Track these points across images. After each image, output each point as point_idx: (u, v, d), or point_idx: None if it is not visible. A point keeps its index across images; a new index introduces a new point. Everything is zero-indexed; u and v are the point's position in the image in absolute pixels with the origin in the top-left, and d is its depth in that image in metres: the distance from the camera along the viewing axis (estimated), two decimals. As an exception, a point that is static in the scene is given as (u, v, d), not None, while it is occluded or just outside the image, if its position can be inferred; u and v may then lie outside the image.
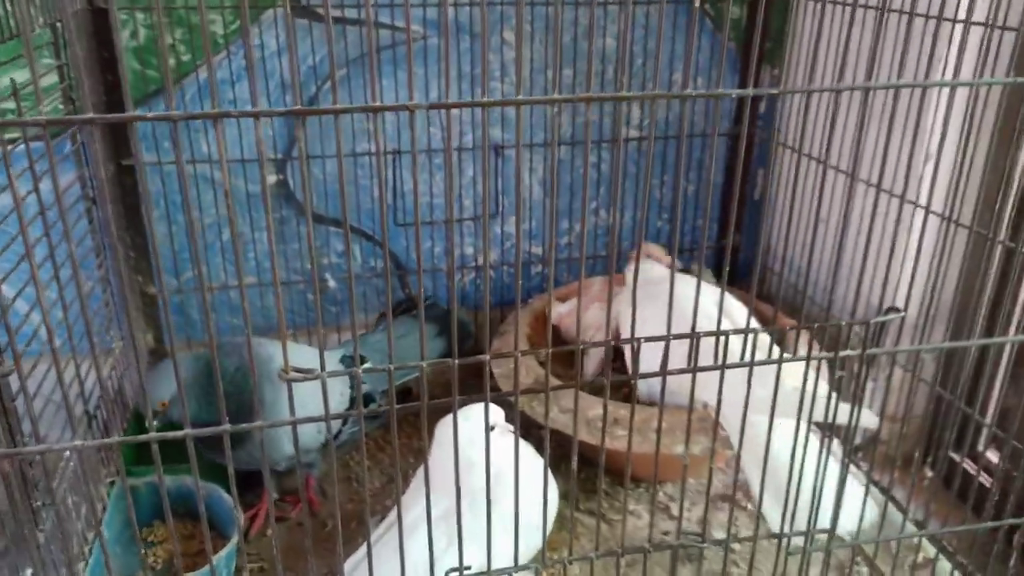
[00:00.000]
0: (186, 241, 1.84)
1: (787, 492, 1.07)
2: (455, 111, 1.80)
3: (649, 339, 0.97)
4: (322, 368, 0.86)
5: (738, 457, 1.16)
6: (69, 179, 1.47)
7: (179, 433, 0.87)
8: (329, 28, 0.70)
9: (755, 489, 1.25)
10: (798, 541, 1.10)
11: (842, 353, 0.95)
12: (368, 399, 1.61)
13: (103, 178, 1.51)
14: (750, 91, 0.84)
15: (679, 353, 0.98)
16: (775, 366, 0.98)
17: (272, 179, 1.84)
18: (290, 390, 0.88)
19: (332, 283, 1.94)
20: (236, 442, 1.39)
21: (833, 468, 1.09)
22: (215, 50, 1.72)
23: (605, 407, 0.99)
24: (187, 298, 1.88)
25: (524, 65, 1.89)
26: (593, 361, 1.79)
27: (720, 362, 0.97)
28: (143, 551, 1.48)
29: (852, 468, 1.57)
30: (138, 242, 1.79)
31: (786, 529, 1.06)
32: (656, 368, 0.99)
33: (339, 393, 1.58)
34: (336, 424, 1.56)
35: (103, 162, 1.58)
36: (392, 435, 0.89)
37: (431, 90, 1.83)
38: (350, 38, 1.76)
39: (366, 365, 1.64)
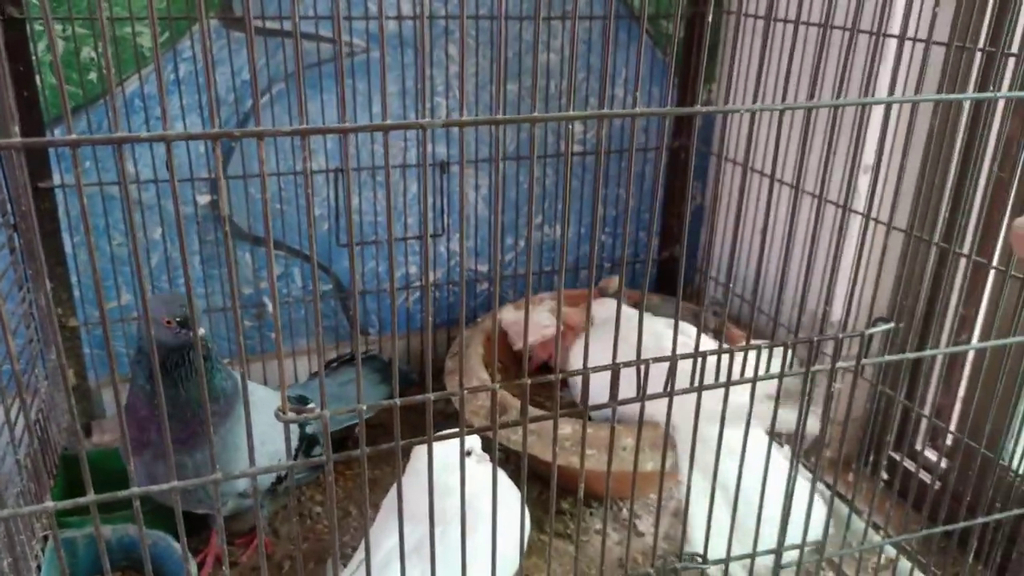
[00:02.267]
0: (110, 268, 1.71)
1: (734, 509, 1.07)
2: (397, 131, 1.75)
3: (597, 369, 0.94)
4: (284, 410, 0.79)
5: (689, 475, 1.15)
6: (-14, 204, 1.33)
7: (123, 493, 0.77)
8: (251, 43, 0.65)
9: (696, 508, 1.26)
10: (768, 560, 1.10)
11: (840, 365, 0.96)
12: (313, 441, 1.53)
13: (29, 202, 1.38)
14: (699, 109, 0.85)
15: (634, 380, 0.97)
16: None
17: (205, 199, 1.74)
18: (286, 430, 0.81)
19: (271, 307, 1.84)
20: (181, 467, 1.29)
21: (784, 480, 1.10)
22: (144, 63, 1.60)
23: (555, 424, 0.96)
24: (112, 330, 1.75)
25: (468, 80, 1.85)
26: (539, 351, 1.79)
27: (695, 384, 0.97)
28: (81, 610, 1.35)
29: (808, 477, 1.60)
30: (58, 271, 1.65)
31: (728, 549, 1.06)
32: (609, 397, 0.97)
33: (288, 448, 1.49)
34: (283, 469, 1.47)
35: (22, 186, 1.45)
36: (329, 486, 0.83)
37: (374, 105, 1.77)
38: (288, 52, 1.68)
39: (310, 406, 1.56)
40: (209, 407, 1.29)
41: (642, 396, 0.98)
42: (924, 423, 1.69)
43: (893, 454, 1.74)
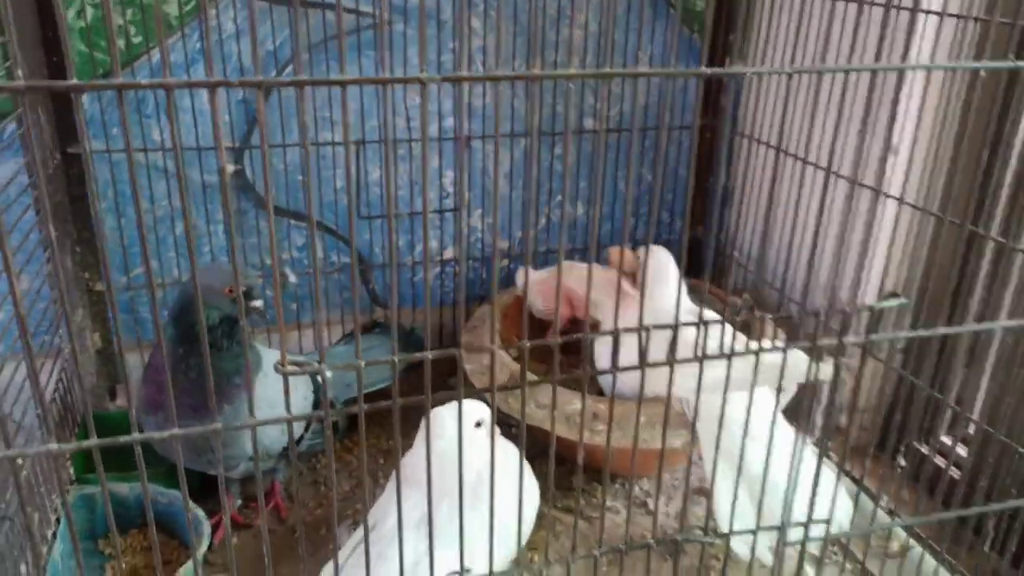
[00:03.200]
0: (136, 235, 1.74)
1: (760, 488, 1.06)
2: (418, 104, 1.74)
3: (602, 333, 0.94)
4: (322, 360, 0.80)
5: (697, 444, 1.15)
6: (13, 167, 1.36)
7: (124, 438, 0.79)
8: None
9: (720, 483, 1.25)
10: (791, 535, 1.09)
11: (848, 339, 0.94)
12: (329, 406, 1.54)
13: (42, 163, 1.40)
14: (734, 70, 0.83)
15: (653, 348, 0.97)
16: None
17: (230, 169, 1.76)
18: (286, 383, 0.82)
19: (293, 278, 1.86)
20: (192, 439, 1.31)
21: (803, 459, 1.09)
22: (169, 32, 1.62)
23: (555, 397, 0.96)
24: (137, 295, 1.78)
25: (489, 53, 1.85)
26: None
27: (701, 354, 0.96)
28: (100, 564, 1.39)
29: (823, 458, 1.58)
30: (85, 236, 1.68)
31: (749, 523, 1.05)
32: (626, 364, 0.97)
33: (303, 397, 1.51)
34: (298, 430, 1.49)
35: (49, 149, 1.48)
36: (360, 438, 0.85)
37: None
38: (312, 22, 1.68)
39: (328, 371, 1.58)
40: (236, 378, 1.33)
41: (643, 363, 0.98)
42: (947, 410, 1.66)
43: (916, 444, 1.71)
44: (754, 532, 1.06)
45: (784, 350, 1.02)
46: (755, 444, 1.06)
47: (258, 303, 1.29)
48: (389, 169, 0.80)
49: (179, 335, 1.31)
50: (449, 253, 2.01)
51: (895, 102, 1.03)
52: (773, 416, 1.04)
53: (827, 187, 0.94)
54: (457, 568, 1.01)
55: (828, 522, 1.03)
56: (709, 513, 1.27)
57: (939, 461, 1.60)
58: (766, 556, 1.13)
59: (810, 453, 1.07)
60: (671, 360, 0.99)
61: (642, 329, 0.94)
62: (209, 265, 1.75)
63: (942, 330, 1.07)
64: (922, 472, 1.59)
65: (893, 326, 1.60)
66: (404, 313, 2.02)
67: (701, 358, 1.00)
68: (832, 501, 1.07)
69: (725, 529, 1.18)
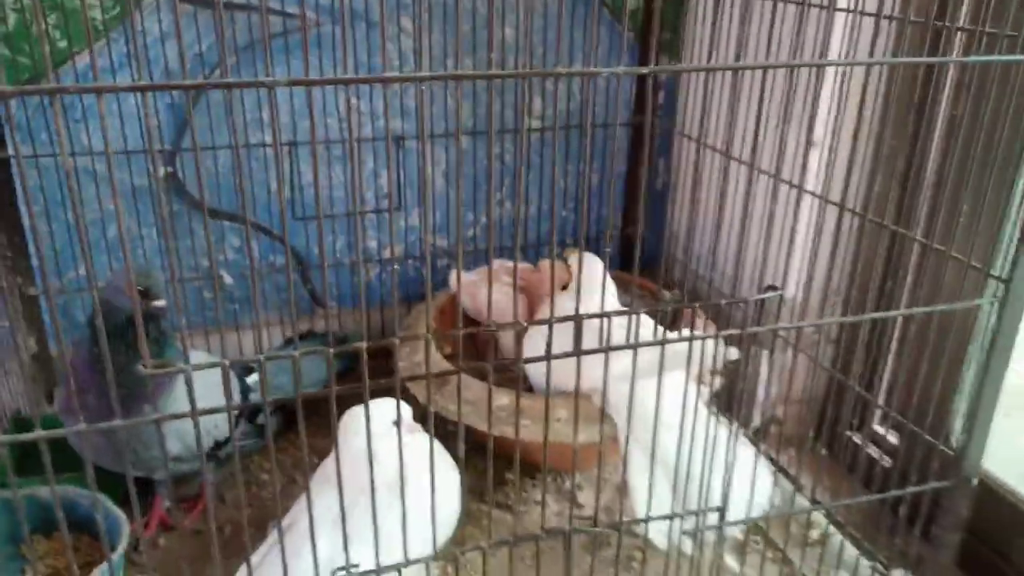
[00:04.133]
0: (68, 239, 1.74)
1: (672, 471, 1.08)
2: (355, 100, 1.76)
3: (533, 322, 0.97)
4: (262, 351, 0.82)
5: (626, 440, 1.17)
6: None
7: (29, 436, 0.81)
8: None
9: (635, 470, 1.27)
10: (691, 522, 1.11)
11: (724, 332, 0.97)
12: (256, 411, 1.56)
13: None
14: (651, 68, 0.85)
15: (565, 345, 0.99)
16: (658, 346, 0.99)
17: (160, 172, 1.76)
18: (189, 384, 0.83)
19: (228, 280, 1.87)
20: (112, 433, 1.32)
21: (721, 443, 1.11)
22: (95, 36, 1.63)
23: (490, 393, 0.98)
24: (71, 299, 1.79)
25: (423, 54, 1.86)
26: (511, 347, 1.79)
27: (604, 345, 0.98)
28: (21, 568, 1.40)
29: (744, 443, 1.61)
30: (15, 241, 1.69)
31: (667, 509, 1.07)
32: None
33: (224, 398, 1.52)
34: (224, 431, 1.50)
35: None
36: (300, 430, 0.87)
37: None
38: (238, 25, 1.69)
39: (252, 376, 1.59)
40: (156, 378, 1.33)
41: (548, 355, 1.00)
42: (870, 399, 1.68)
43: (848, 433, 1.73)
44: (646, 520, 1.08)
45: (691, 340, 1.04)
46: (668, 432, 1.08)
47: (159, 303, 1.29)
48: (318, 171, 0.81)
49: (93, 335, 1.32)
50: (388, 252, 2.02)
51: (815, 98, 1.06)
52: (685, 403, 1.06)
53: (751, 183, 0.96)
54: (372, 563, 1.03)
55: (704, 507, 1.06)
56: (622, 503, 1.29)
57: (865, 448, 1.63)
58: (684, 544, 1.15)
59: (728, 439, 1.09)
60: (577, 352, 1.01)
61: (553, 322, 0.96)
62: (123, 267, 1.75)
63: (827, 320, 1.10)
64: (848, 457, 1.61)
65: (816, 317, 1.63)
66: (343, 313, 2.04)
67: (606, 349, 1.02)
68: (751, 484, 1.09)
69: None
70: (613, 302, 1.59)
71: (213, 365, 0.85)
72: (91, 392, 1.32)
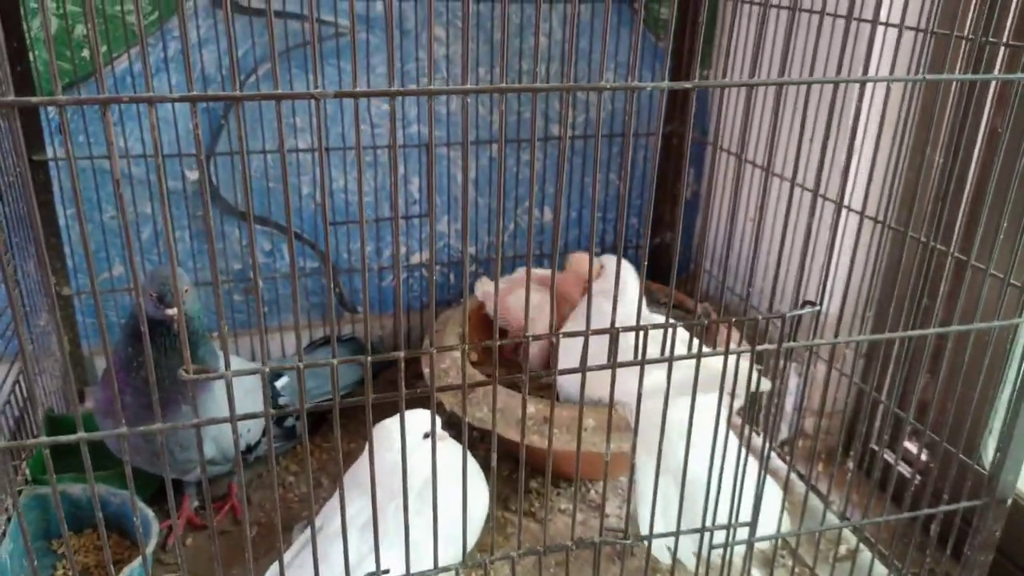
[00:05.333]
0: (103, 240, 1.77)
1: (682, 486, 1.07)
2: (387, 110, 1.77)
3: (568, 334, 0.97)
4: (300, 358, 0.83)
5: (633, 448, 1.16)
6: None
7: (72, 437, 0.83)
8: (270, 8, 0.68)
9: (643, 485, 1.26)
10: (720, 536, 1.10)
11: (760, 347, 0.96)
12: (283, 416, 1.57)
13: (26, 168, 1.43)
14: (694, 83, 0.85)
15: (598, 354, 0.99)
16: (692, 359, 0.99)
17: (195, 175, 1.78)
18: (192, 388, 0.84)
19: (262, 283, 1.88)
20: (150, 434, 1.34)
21: (745, 461, 1.10)
22: (133, 41, 1.65)
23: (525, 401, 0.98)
24: (105, 299, 1.81)
25: (455, 63, 1.87)
26: (536, 352, 1.79)
27: (640, 358, 0.97)
28: (51, 564, 1.41)
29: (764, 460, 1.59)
30: (52, 242, 1.71)
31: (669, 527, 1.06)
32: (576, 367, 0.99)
33: (259, 404, 1.53)
34: (255, 435, 1.51)
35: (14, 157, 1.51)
36: (335, 438, 0.88)
37: (359, 86, 1.80)
38: (276, 31, 1.71)
39: (282, 380, 1.60)
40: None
41: (583, 367, 1.00)
42: (900, 415, 1.66)
43: (876, 449, 1.71)
44: (675, 535, 1.07)
45: (725, 355, 1.03)
46: (691, 449, 1.08)
47: (170, 311, 1.30)
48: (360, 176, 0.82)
49: (128, 336, 1.34)
50: (416, 258, 2.03)
51: (857, 114, 1.05)
52: (708, 419, 1.05)
53: (791, 198, 0.96)
54: (402, 569, 1.03)
55: (734, 523, 1.05)
56: (653, 515, 1.28)
57: (895, 465, 1.61)
58: (689, 560, 1.14)
59: (741, 455, 1.08)
60: (612, 364, 1.01)
61: (587, 334, 0.96)
62: (151, 269, 1.77)
63: (851, 339, 1.09)
64: (881, 477, 1.59)
65: (849, 333, 1.62)
66: (370, 318, 2.05)
67: (641, 362, 1.02)
68: (756, 503, 1.08)
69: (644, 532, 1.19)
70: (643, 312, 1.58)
71: (253, 372, 0.86)
72: (127, 393, 1.34)
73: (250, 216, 0.76)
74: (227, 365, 0.83)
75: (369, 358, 0.88)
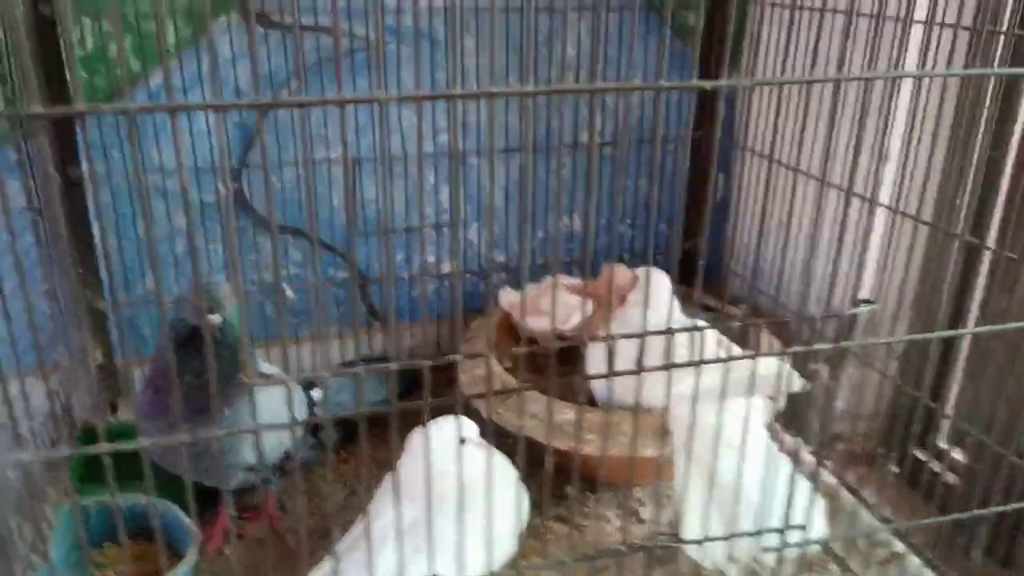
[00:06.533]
0: (135, 254, 1.78)
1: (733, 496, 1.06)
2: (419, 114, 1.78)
3: (596, 339, 0.96)
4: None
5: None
6: (14, 190, 1.41)
7: (132, 445, 0.83)
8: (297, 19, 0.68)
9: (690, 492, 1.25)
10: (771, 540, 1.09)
11: (816, 347, 0.95)
12: (318, 426, 1.57)
13: (54, 181, 1.45)
14: (726, 82, 0.84)
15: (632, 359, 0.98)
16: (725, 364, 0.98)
17: (223, 190, 1.80)
18: (252, 396, 0.84)
19: (291, 294, 1.89)
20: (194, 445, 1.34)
21: (785, 466, 1.08)
22: (169, 57, 1.67)
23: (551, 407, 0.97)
24: (137, 314, 1.83)
25: (484, 71, 1.88)
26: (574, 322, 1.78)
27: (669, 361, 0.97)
28: (93, 574, 1.42)
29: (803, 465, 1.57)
30: (86, 257, 1.73)
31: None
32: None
33: (299, 413, 1.54)
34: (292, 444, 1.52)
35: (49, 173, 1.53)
36: (385, 442, 0.88)
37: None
38: (305, 46, 1.73)
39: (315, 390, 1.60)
40: (226, 384, 1.36)
41: (610, 372, 0.99)
42: (943, 418, 1.64)
43: (918, 452, 1.69)
44: (729, 537, 1.06)
45: (754, 357, 1.03)
46: (729, 452, 1.07)
47: (216, 318, 1.32)
48: (386, 186, 0.82)
49: (172, 345, 1.35)
50: (446, 267, 2.03)
51: (888, 110, 1.04)
52: (746, 425, 1.04)
53: (821, 197, 0.95)
54: (439, 572, 1.03)
55: (786, 525, 1.03)
56: (704, 518, 1.26)
57: (935, 467, 1.58)
58: (729, 569, 1.13)
59: (784, 462, 1.07)
60: (639, 369, 1.00)
61: (617, 337, 0.95)
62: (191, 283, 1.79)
63: (914, 336, 1.07)
64: (921, 479, 1.57)
65: (886, 333, 1.60)
66: (400, 327, 2.05)
67: (669, 366, 1.01)
68: (806, 508, 1.07)
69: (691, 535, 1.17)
70: (678, 317, 1.57)
71: (310, 379, 0.86)
72: (171, 398, 1.35)
73: (272, 219, 0.76)
74: (287, 370, 0.83)
75: (396, 365, 0.87)
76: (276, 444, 1.46)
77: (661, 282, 1.65)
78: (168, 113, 0.71)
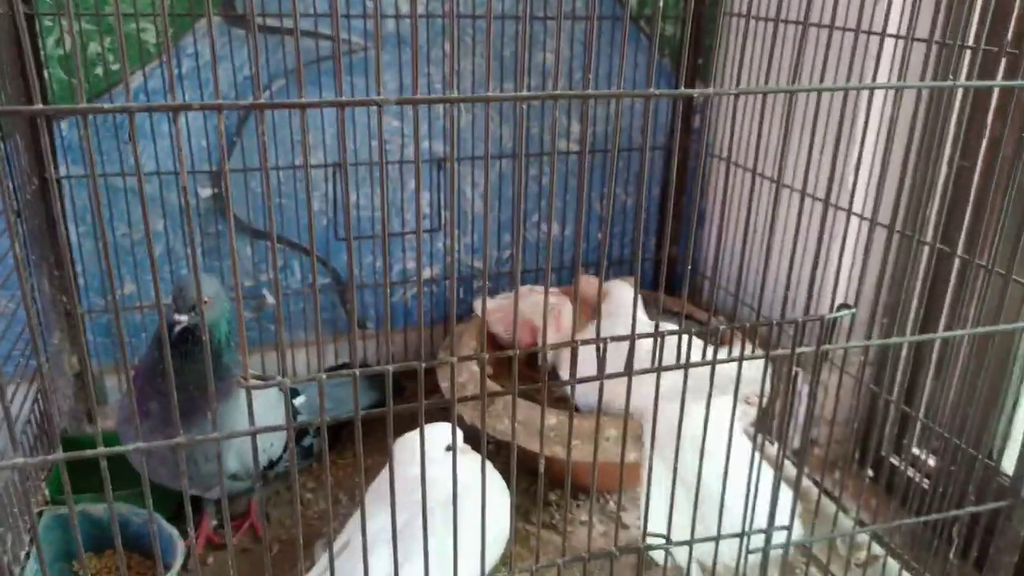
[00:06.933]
0: (114, 258, 1.76)
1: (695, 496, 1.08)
2: (397, 126, 1.79)
3: (586, 342, 0.97)
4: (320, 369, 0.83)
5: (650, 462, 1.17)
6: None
7: (90, 452, 0.81)
8: (296, 23, 0.69)
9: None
10: (756, 542, 1.11)
11: (800, 349, 0.97)
12: (303, 433, 1.56)
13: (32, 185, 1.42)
14: (711, 91, 0.87)
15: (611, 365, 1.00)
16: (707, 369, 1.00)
17: (207, 192, 1.78)
18: (248, 396, 0.84)
19: (270, 299, 1.88)
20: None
21: (762, 470, 1.10)
22: (147, 59, 1.66)
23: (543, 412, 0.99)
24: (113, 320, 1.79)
25: (465, 77, 1.89)
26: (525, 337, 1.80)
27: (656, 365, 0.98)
28: (74, 585, 1.39)
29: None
30: (61, 261, 1.70)
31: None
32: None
33: (281, 434, 1.53)
34: (277, 450, 1.50)
35: (27, 175, 1.50)
36: (357, 447, 0.88)
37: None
38: (288, 48, 1.72)
39: (299, 398, 1.59)
40: (210, 384, 1.34)
41: (601, 375, 1.00)
42: (914, 421, 1.69)
43: (889, 456, 1.73)
44: (716, 539, 1.08)
45: (740, 360, 1.05)
46: (708, 459, 1.08)
47: (184, 318, 1.30)
48: (349, 191, 0.82)
49: (154, 345, 1.34)
50: (427, 273, 2.03)
51: (866, 120, 1.08)
52: (721, 428, 1.06)
53: (802, 207, 0.98)
54: None
55: (771, 527, 1.06)
56: (694, 520, 1.27)
57: (910, 472, 1.62)
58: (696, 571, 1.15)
59: (754, 463, 1.09)
60: (629, 372, 1.02)
61: (599, 341, 0.97)
62: (179, 278, 1.77)
63: (893, 340, 1.11)
64: (894, 484, 1.61)
65: (857, 338, 1.64)
66: (379, 334, 2.04)
67: (658, 369, 1.03)
68: (782, 511, 1.09)
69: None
70: (645, 321, 1.60)
71: (277, 384, 0.85)
72: (152, 400, 1.33)
73: (273, 231, 0.76)
74: (283, 372, 0.83)
75: (391, 367, 0.87)
76: (259, 455, 1.45)
77: (624, 293, 1.69)
78: (169, 113, 0.71)
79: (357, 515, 1.32)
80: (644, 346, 1.01)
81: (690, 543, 1.06)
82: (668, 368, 1.02)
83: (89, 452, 0.80)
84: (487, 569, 1.20)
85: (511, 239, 2.08)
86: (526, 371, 1.87)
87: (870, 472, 1.62)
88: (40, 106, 0.67)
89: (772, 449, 1.64)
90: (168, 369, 0.80)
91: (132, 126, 0.70)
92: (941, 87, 0.99)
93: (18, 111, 0.71)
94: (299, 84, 0.75)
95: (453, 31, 0.74)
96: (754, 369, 1.12)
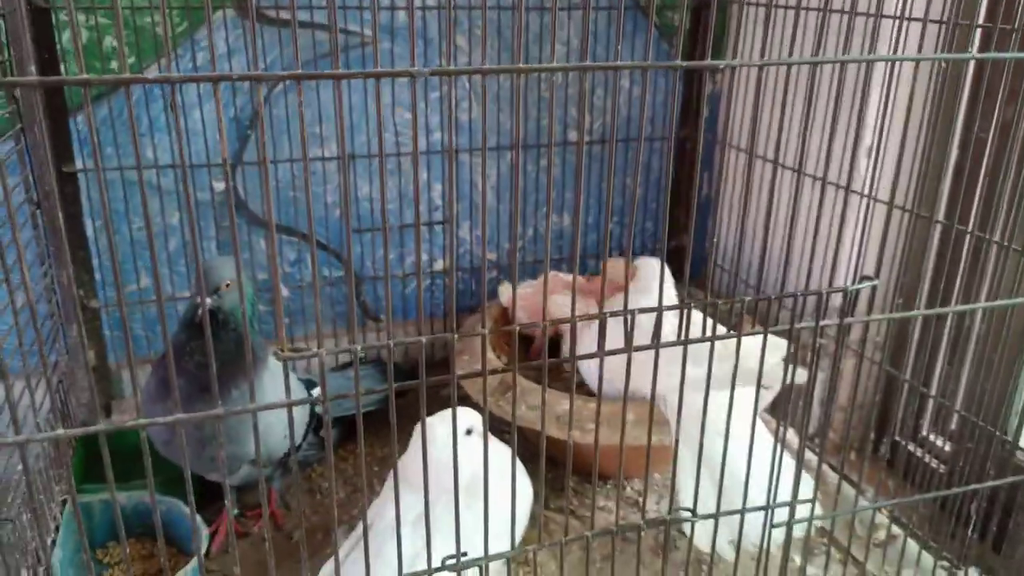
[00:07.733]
0: (130, 252, 1.77)
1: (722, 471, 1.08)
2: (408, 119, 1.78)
3: (584, 317, 0.98)
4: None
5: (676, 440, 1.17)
6: (12, 182, 1.39)
7: (139, 422, 0.82)
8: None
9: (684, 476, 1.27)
10: (781, 515, 1.12)
11: (823, 323, 0.98)
12: (319, 425, 1.57)
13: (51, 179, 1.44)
14: (706, 63, 0.88)
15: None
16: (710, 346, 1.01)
17: (222, 186, 1.79)
18: (286, 368, 0.85)
19: (285, 292, 1.89)
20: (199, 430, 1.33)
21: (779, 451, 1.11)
22: (162, 52, 1.67)
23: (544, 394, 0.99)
24: (131, 312, 1.80)
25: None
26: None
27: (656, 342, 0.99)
28: (98, 574, 1.40)
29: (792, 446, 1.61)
30: (79, 254, 1.71)
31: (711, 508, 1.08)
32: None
33: (301, 421, 1.54)
34: (299, 437, 1.51)
35: (46, 167, 1.51)
36: (392, 426, 0.89)
37: (383, 95, 1.82)
38: (301, 41, 1.73)
39: (316, 390, 1.60)
40: (232, 366, 1.35)
41: (601, 351, 1.01)
42: (930, 402, 1.69)
43: (901, 440, 1.74)
44: (742, 512, 1.08)
45: (764, 334, 1.05)
46: (732, 442, 1.09)
47: (209, 301, 1.31)
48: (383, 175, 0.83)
49: (183, 323, 1.35)
50: (439, 265, 2.04)
51: (863, 98, 1.09)
52: (742, 410, 1.07)
53: (798, 188, 0.99)
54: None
55: (795, 500, 1.06)
56: (721, 493, 1.27)
57: (925, 455, 1.63)
58: (726, 551, 1.15)
59: (778, 446, 1.10)
60: (656, 344, 1.02)
61: (627, 313, 0.97)
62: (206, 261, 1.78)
63: (912, 313, 1.12)
64: (909, 466, 1.62)
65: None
66: (394, 325, 2.05)
67: (685, 342, 1.03)
68: (795, 487, 1.09)
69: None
70: (673, 296, 1.61)
71: (314, 355, 0.85)
72: (179, 378, 1.34)
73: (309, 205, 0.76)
74: (319, 344, 0.84)
75: (391, 341, 0.88)
76: (280, 441, 1.46)
77: (652, 268, 1.69)
78: (211, 83, 0.72)
79: (377, 501, 1.33)
80: (670, 326, 1.01)
81: (716, 516, 1.06)
82: (667, 344, 1.01)
83: (129, 423, 0.80)
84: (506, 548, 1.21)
85: (521, 230, 2.09)
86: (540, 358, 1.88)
87: (883, 450, 1.63)
88: (84, 76, 0.68)
89: (789, 435, 1.65)
90: (208, 346, 0.81)
91: (173, 96, 0.70)
92: (958, 59, 1.00)
93: (63, 82, 0.72)
94: (335, 56, 0.76)
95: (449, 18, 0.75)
96: (777, 355, 1.12)
